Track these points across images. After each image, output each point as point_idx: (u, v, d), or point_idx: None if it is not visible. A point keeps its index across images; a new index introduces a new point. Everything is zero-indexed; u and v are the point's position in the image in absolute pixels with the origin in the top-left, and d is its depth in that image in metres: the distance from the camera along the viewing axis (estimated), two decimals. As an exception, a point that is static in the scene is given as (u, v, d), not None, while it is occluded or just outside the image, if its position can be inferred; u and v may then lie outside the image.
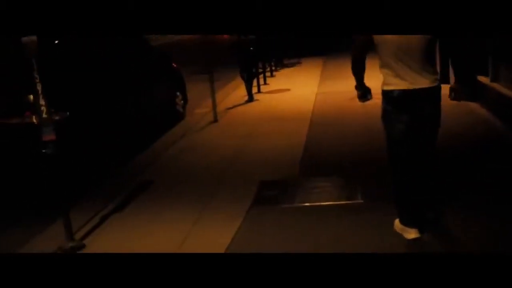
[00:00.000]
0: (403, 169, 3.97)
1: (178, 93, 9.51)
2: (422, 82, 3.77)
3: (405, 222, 4.07)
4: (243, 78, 10.46)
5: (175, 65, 9.79)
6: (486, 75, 7.78)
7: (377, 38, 3.80)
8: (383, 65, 3.87)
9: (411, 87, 3.76)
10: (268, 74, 13.22)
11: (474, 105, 7.97)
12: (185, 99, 9.76)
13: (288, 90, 11.32)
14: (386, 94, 3.89)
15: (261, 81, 11.86)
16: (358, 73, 4.12)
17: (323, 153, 6.52)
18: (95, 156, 6.42)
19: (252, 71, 10.52)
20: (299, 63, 15.67)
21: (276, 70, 14.30)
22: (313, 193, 5.18)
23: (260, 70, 11.80)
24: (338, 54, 17.05)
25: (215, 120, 8.75)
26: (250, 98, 10.35)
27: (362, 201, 4.88)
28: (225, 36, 23.00)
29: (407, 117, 3.82)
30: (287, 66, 15.16)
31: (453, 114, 7.08)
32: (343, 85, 10.93)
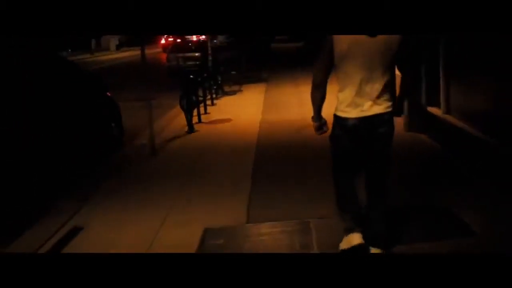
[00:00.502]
0: (344, 186, 4.12)
1: (112, 124, 8.87)
2: (377, 108, 3.79)
3: (346, 227, 4.16)
4: (182, 108, 9.89)
5: (109, 94, 9.15)
6: (438, 106, 7.57)
7: (341, 65, 3.80)
8: (341, 90, 3.87)
9: (365, 114, 3.78)
10: (208, 102, 12.70)
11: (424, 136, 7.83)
12: (120, 129, 9.12)
13: (230, 120, 10.82)
14: (338, 119, 3.92)
15: (202, 110, 11.34)
16: (318, 102, 4.03)
17: (272, 194, 5.95)
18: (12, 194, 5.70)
19: (192, 99, 9.97)
20: (240, 90, 15.20)
21: (216, 98, 13.79)
22: (263, 240, 4.66)
23: (201, 98, 11.26)
24: (280, 80, 16.81)
25: (153, 153, 8.13)
26: (191, 129, 9.76)
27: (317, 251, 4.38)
28: (164, 60, 22.50)
29: (356, 142, 3.90)
30: (228, 93, 14.65)
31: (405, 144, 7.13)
32: (287, 114, 10.57)
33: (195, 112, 10.35)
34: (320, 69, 3.93)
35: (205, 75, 12.71)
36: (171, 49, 23.21)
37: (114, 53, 52.69)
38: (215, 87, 13.92)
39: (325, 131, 4.14)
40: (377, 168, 3.98)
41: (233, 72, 15.19)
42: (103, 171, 7.48)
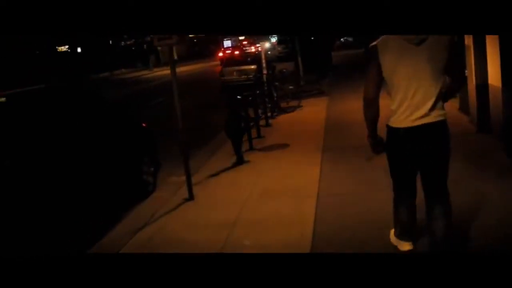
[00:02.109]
0: (402, 192, 4.09)
1: (145, 158, 7.41)
2: (429, 118, 3.71)
3: (398, 235, 4.28)
4: (228, 134, 8.32)
5: (144, 124, 7.73)
6: None
7: (390, 77, 3.75)
8: (393, 102, 3.80)
9: (417, 123, 3.72)
10: (263, 122, 11.12)
11: None
12: (156, 163, 7.65)
13: (287, 145, 9.16)
14: (391, 130, 3.86)
15: (254, 133, 9.76)
16: (371, 119, 3.94)
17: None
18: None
19: (240, 124, 8.36)
20: (299, 106, 13.49)
21: (272, 118, 12.18)
22: None
23: (252, 121, 9.69)
24: (342, 92, 15.03)
25: (191, 198, 6.57)
26: (239, 161, 8.18)
27: None
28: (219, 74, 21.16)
29: (411, 152, 3.81)
30: (285, 111, 12.99)
31: None
32: (352, 136, 8.80)
33: (245, 136, 8.77)
34: (369, 83, 3.84)
35: (257, 91, 11.14)
36: (226, 62, 21.89)
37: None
38: (269, 105, 12.32)
39: (382, 151, 4.04)
40: (433, 187, 3.88)
41: (290, 87, 13.56)
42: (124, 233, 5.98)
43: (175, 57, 58.02)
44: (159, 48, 61.22)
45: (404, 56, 3.65)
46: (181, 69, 47.79)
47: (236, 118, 8.28)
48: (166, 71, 40.73)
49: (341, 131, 9.54)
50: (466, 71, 7.76)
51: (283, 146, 9.14)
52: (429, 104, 3.68)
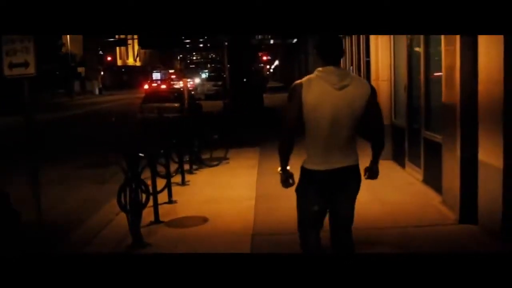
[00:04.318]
0: (311, 245, 4.09)
1: None
2: (345, 161, 3.87)
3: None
4: (121, 206, 5.90)
5: None
6: None
7: (309, 117, 3.83)
8: (309, 143, 3.92)
9: (333, 166, 3.84)
10: (178, 179, 8.80)
11: None
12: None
13: (206, 220, 6.81)
14: (305, 172, 3.94)
15: (163, 197, 7.42)
16: (286, 153, 3.98)
17: None
18: None
19: (137, 195, 5.97)
20: (225, 159, 11.17)
21: (191, 172, 9.85)
22: None
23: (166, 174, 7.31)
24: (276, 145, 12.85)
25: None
26: (137, 242, 5.77)
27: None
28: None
29: (323, 195, 3.92)
30: (208, 164, 10.66)
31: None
32: (289, 208, 6.55)
33: (149, 204, 6.41)
34: (290, 118, 3.89)
35: (173, 141, 8.82)
36: (146, 97, 19.51)
37: (97, 97, 49.73)
38: (187, 156, 9.98)
39: (292, 184, 4.05)
40: (343, 223, 4.06)
41: (215, 136, 11.35)
42: None
43: (100, 85, 55.23)
44: (82, 75, 58.36)
45: (326, 98, 3.77)
46: (106, 98, 45.04)
47: (135, 183, 5.89)
48: (89, 99, 38.04)
49: (277, 199, 7.31)
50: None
51: (199, 220, 6.79)
52: (346, 147, 3.87)
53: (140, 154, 6.09)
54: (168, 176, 7.78)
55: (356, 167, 3.95)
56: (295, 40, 46.25)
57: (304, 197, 4.03)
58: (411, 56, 8.86)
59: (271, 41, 49.41)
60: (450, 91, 6.49)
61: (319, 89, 3.78)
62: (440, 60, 6.89)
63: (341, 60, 3.97)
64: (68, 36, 54.02)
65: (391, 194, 7.60)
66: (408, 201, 7.25)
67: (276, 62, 73.66)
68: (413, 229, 6.08)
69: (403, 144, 9.10)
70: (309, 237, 4.12)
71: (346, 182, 3.93)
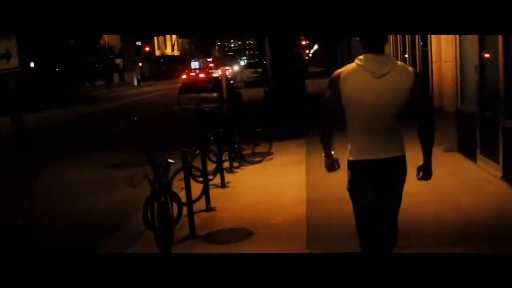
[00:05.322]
0: (369, 237, 3.89)
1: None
2: (387, 152, 3.73)
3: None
4: (147, 223, 4.93)
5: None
6: None
7: (349, 108, 3.73)
8: (351, 135, 3.81)
9: (376, 157, 3.72)
10: (217, 180, 7.83)
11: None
12: None
13: (251, 234, 5.81)
14: (352, 164, 3.82)
15: (200, 204, 6.45)
16: (328, 142, 3.96)
17: None
18: None
19: (168, 209, 4.99)
20: (269, 154, 10.14)
21: (231, 172, 8.85)
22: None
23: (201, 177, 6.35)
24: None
25: None
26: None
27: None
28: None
29: (374, 187, 3.78)
30: (250, 161, 9.64)
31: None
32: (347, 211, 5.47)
33: (184, 212, 5.44)
34: (328, 110, 3.82)
35: (210, 137, 7.82)
36: (183, 88, 18.56)
37: (135, 88, 49.37)
38: (227, 153, 8.97)
39: (337, 169, 4.01)
40: (388, 216, 3.86)
41: (258, 130, 10.30)
42: None
43: (138, 76, 55.05)
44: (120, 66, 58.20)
45: (365, 87, 3.65)
46: (144, 90, 44.53)
47: (167, 197, 4.90)
48: (127, 91, 37.73)
49: (332, 200, 6.24)
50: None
51: (243, 235, 5.77)
52: (388, 138, 3.74)
53: (170, 161, 5.09)
54: (205, 181, 6.77)
55: (401, 158, 3.77)
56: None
57: (357, 190, 3.84)
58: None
59: (311, 25, 47.99)
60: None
61: (357, 79, 3.68)
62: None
63: (390, 48, 3.75)
64: (105, 27, 53.79)
65: (466, 196, 6.42)
66: (491, 206, 6.05)
67: (315, 47, 72.08)
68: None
69: (473, 134, 7.86)
70: (369, 234, 3.90)
71: (391, 174, 3.77)
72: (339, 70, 3.79)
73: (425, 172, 3.88)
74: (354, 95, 3.68)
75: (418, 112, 3.78)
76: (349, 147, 3.83)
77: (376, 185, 3.76)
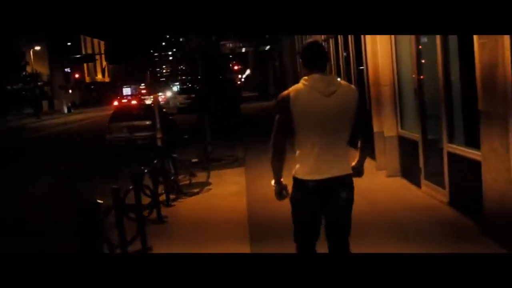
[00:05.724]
0: (304, 240, 3.99)
1: None
2: (336, 170, 3.78)
3: None
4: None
5: None
6: None
7: (299, 128, 3.76)
8: (300, 154, 3.83)
9: (324, 176, 3.76)
10: (152, 216, 7.29)
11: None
12: None
13: None
14: (298, 182, 3.86)
15: (135, 244, 5.89)
16: (279, 168, 3.90)
17: None
18: None
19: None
20: (207, 184, 9.66)
21: (168, 205, 8.32)
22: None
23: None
24: (262, 159, 11.43)
25: None
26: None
27: None
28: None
29: (317, 206, 3.84)
30: (187, 193, 9.11)
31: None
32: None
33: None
34: (279, 132, 3.84)
35: (144, 169, 7.33)
36: (114, 115, 17.83)
37: (65, 116, 47.87)
38: (164, 185, 8.48)
39: (286, 196, 3.99)
40: (340, 234, 3.93)
41: (194, 160, 9.85)
42: None
43: (69, 104, 53.55)
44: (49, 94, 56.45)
45: (315, 106, 3.70)
46: (75, 117, 43.15)
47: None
48: (57, 119, 36.36)
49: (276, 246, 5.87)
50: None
51: None
52: (337, 156, 3.78)
53: (99, 201, 4.60)
54: (140, 219, 6.26)
55: (348, 176, 3.86)
56: (267, 47, 44.98)
57: (298, 207, 3.92)
58: (421, 54, 7.52)
59: (243, 49, 48.02)
60: (490, 94, 5.16)
61: (308, 98, 3.72)
62: (468, 55, 5.58)
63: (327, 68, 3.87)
64: (31, 55, 52.25)
65: (414, 224, 6.22)
66: (439, 232, 5.87)
67: (248, 71, 72.42)
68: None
69: (416, 159, 7.73)
70: (306, 247, 4.00)
71: (339, 192, 3.83)
72: (286, 92, 3.80)
73: (358, 170, 4.02)
74: (305, 114, 3.71)
75: (360, 127, 3.93)
76: (296, 166, 3.85)
77: (321, 203, 3.84)
